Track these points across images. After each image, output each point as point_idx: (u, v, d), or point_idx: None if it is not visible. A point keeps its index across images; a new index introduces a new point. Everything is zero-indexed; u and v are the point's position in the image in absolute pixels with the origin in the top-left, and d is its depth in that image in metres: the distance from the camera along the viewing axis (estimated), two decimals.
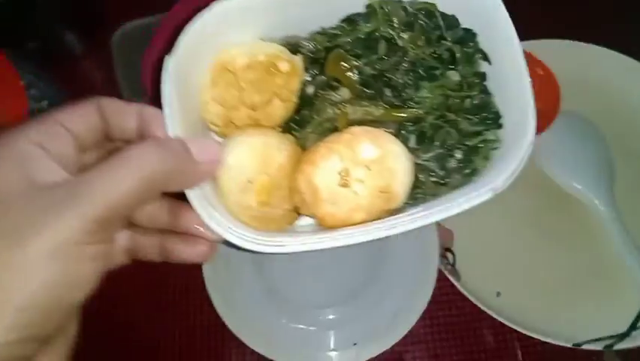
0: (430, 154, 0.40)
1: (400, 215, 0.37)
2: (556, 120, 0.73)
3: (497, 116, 0.41)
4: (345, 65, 0.41)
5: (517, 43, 0.39)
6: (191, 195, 0.36)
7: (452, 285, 0.67)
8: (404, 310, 0.66)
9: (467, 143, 0.41)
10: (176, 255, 0.38)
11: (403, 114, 0.40)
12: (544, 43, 0.75)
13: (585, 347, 0.63)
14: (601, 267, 0.70)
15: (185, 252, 0.38)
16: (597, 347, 0.64)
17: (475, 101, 0.41)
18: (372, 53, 0.41)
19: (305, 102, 0.43)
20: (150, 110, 0.37)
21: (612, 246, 0.71)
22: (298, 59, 0.42)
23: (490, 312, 0.64)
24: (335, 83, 0.41)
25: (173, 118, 0.37)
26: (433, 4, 0.42)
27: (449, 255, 0.69)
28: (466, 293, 0.66)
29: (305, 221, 0.43)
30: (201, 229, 0.37)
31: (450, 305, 0.70)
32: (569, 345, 0.63)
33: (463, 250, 0.70)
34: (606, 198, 0.72)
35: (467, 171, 0.41)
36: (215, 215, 0.36)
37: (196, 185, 0.36)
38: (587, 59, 0.77)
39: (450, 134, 0.40)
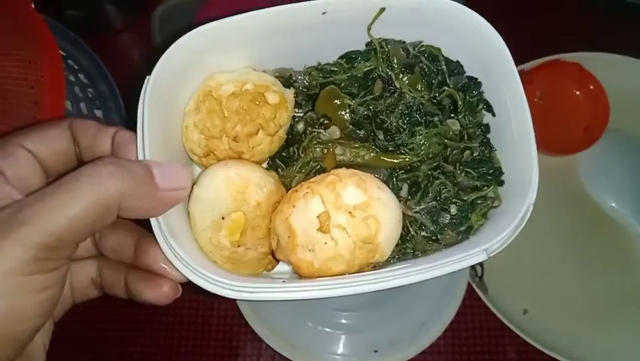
0: (422, 206, 0.37)
1: (384, 270, 0.34)
2: (603, 137, 0.70)
3: (499, 172, 0.38)
4: (338, 102, 0.38)
5: (524, 98, 0.36)
6: (157, 229, 0.33)
7: (478, 298, 0.65)
8: (430, 322, 0.64)
9: (464, 198, 0.37)
10: (139, 295, 0.34)
11: (395, 160, 0.37)
12: (595, 57, 0.72)
13: None
14: (636, 294, 0.67)
15: (148, 294, 0.34)
16: None
17: (476, 154, 0.38)
18: (367, 93, 0.38)
19: (294, 139, 0.40)
20: (126, 134, 0.34)
21: None
22: (289, 92, 0.39)
23: (515, 329, 0.63)
24: (325, 121, 0.38)
25: (146, 141, 0.34)
26: (438, 49, 0.40)
27: (477, 267, 0.67)
28: (491, 307, 0.64)
29: (283, 268, 0.40)
30: (167, 268, 0.34)
31: (474, 318, 0.68)
32: None
33: (492, 262, 0.65)
34: None
35: (462, 228, 0.37)
36: (181, 255, 0.33)
37: (159, 214, 0.33)
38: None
39: (446, 187, 0.37)
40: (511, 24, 0.75)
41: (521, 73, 0.68)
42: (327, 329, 0.65)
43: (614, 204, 0.70)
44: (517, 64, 0.67)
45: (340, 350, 0.64)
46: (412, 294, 0.66)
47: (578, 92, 0.72)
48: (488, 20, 0.37)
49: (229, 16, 0.36)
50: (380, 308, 0.66)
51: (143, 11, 0.77)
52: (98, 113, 0.68)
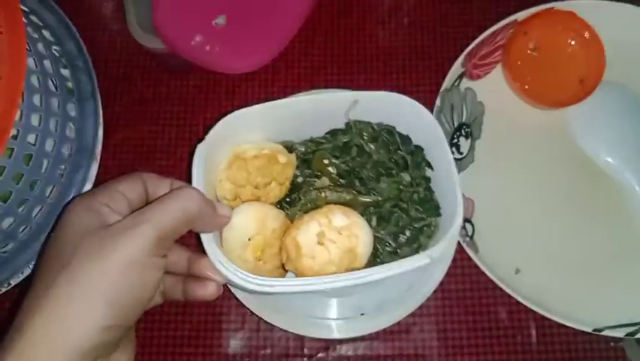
0: (386, 231, 0.54)
1: (359, 271, 0.49)
2: (597, 90, 0.67)
3: (437, 208, 0.55)
4: (326, 161, 0.56)
5: (451, 159, 0.52)
6: (206, 242, 0.48)
7: (468, 258, 0.63)
8: (418, 283, 0.62)
9: (415, 225, 0.55)
10: (192, 294, 0.49)
11: (366, 199, 0.55)
12: (590, 4, 0.69)
13: (606, 333, 0.60)
14: (630, 250, 0.65)
15: (199, 292, 0.49)
16: (618, 334, 0.60)
17: (421, 195, 0.55)
18: (347, 155, 0.56)
19: (295, 188, 0.57)
20: (179, 182, 0.50)
21: None
22: (292, 156, 0.57)
23: (506, 289, 0.61)
24: (318, 174, 0.56)
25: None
26: (393, 127, 0.58)
27: (468, 226, 0.65)
28: (482, 267, 0.62)
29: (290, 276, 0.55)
30: (211, 273, 0.49)
31: (464, 279, 0.67)
32: (589, 330, 0.60)
33: (483, 221, 0.66)
34: None
35: (415, 245, 0.54)
36: (222, 260, 0.48)
37: (212, 231, 0.48)
38: (637, 24, 0.70)
39: (402, 218, 0.55)
40: None
41: (515, 23, 0.71)
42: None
43: (608, 159, 0.68)
44: (510, 13, 0.71)
45: (325, 314, 0.63)
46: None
47: (572, 42, 0.70)
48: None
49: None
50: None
51: None
52: (65, 72, 0.67)
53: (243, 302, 0.62)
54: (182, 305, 0.68)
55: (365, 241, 0.51)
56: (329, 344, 0.67)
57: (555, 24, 0.70)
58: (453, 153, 0.68)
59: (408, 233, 0.54)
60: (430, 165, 0.57)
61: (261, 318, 0.62)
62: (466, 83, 0.73)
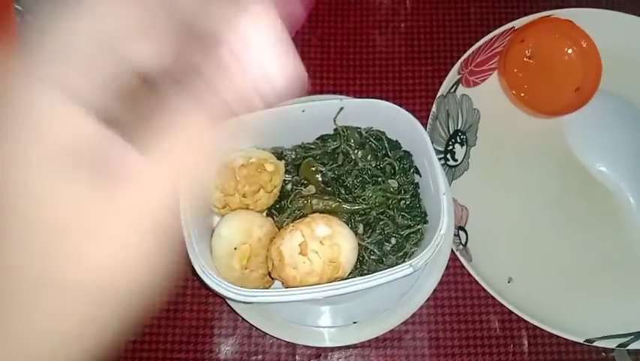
0: (371, 239, 0.54)
1: (339, 282, 0.49)
2: (593, 99, 0.67)
3: (425, 215, 0.55)
4: (313, 169, 0.56)
5: (438, 166, 0.53)
6: (192, 256, 0.48)
7: (461, 266, 0.63)
8: (411, 292, 0.60)
9: (401, 232, 0.54)
10: None
11: (352, 207, 0.54)
12: (589, 13, 0.69)
13: (597, 343, 0.60)
14: (623, 261, 0.65)
15: None
16: (610, 345, 0.60)
17: (408, 202, 0.55)
18: (333, 163, 0.56)
19: (284, 195, 0.57)
20: None
21: (638, 239, 0.66)
22: (281, 163, 0.57)
23: (499, 298, 0.60)
24: (305, 182, 0.56)
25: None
26: (383, 132, 0.58)
27: (462, 234, 0.65)
28: (475, 276, 0.61)
29: (277, 284, 0.55)
30: None
31: (457, 287, 0.66)
32: (581, 340, 0.60)
33: (476, 229, 0.65)
34: (636, 187, 0.67)
35: (400, 253, 0.54)
36: (207, 271, 0.48)
37: None
38: (635, 34, 0.70)
39: (388, 225, 0.54)
40: None
41: (512, 30, 0.71)
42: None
43: (602, 168, 0.68)
44: (507, 20, 0.71)
45: (317, 322, 0.62)
46: None
47: (570, 51, 0.69)
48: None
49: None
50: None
51: None
52: None
53: (235, 309, 0.61)
54: (173, 310, 0.67)
55: (347, 251, 0.51)
56: (321, 352, 0.66)
57: (552, 32, 0.70)
58: (448, 160, 0.69)
59: (393, 241, 0.54)
60: (418, 171, 0.57)
61: (252, 324, 0.61)
62: (462, 89, 0.72)
